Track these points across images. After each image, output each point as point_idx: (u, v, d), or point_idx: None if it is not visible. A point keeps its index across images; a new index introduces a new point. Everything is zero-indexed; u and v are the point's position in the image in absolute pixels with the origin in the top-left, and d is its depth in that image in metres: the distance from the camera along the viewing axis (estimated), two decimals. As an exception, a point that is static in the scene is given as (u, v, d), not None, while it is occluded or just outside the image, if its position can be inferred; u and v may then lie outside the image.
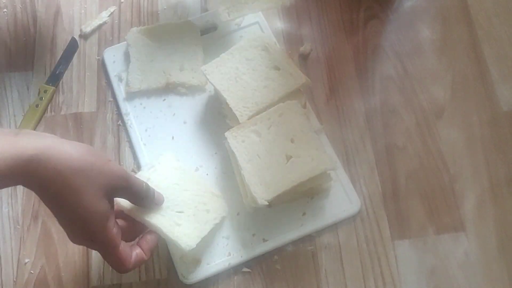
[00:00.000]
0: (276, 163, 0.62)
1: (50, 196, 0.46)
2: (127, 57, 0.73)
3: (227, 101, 0.65)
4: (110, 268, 0.62)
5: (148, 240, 0.56)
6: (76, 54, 0.76)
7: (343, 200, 0.65)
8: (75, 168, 0.46)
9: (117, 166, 0.50)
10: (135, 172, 0.67)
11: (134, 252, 0.54)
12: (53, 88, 0.73)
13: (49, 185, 0.45)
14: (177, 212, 0.60)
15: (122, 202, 0.55)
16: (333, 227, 0.65)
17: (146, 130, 0.70)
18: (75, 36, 0.77)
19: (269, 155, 0.62)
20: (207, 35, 0.75)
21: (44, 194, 0.46)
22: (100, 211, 0.48)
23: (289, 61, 0.68)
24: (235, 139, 0.63)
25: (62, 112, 0.72)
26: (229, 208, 0.64)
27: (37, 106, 0.71)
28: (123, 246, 0.52)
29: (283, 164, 0.62)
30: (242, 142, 0.63)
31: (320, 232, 0.64)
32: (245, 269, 0.63)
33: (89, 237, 0.49)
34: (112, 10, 0.78)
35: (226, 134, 0.64)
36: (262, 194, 0.60)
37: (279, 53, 0.68)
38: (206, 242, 0.63)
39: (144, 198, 0.54)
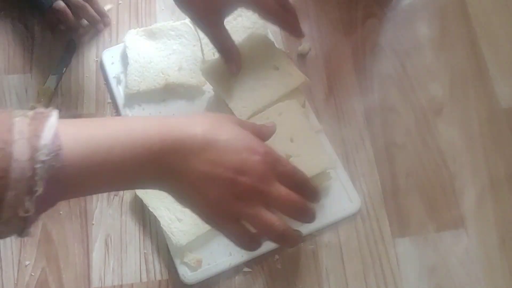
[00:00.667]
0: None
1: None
2: (125, 58, 0.73)
3: (226, 101, 0.65)
4: (111, 269, 0.63)
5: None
6: (74, 56, 0.76)
7: (343, 198, 0.65)
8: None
9: None
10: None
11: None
12: (51, 90, 0.73)
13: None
14: (183, 207, 0.61)
15: None
16: (334, 225, 0.65)
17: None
18: (73, 38, 0.76)
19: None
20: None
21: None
22: (246, 133, 0.50)
23: (288, 60, 0.68)
24: None
25: (61, 114, 0.71)
26: None
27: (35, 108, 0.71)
28: None
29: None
30: None
31: (320, 231, 0.64)
32: (246, 269, 0.63)
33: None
34: (108, 7, 0.78)
35: None
36: None
37: (278, 53, 0.68)
38: (206, 241, 0.63)
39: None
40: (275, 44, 0.70)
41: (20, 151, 0.36)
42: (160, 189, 0.48)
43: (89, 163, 0.41)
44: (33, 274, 0.63)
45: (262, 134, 0.54)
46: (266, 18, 0.64)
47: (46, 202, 0.39)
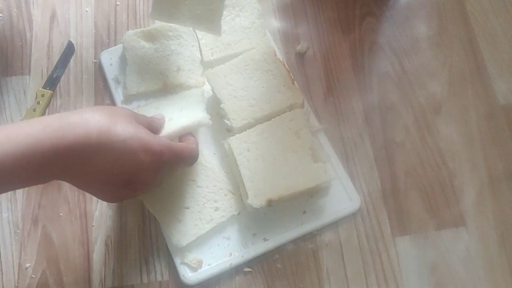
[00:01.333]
0: (274, 171, 0.63)
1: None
2: (124, 60, 0.73)
3: (224, 108, 0.66)
4: (112, 270, 0.63)
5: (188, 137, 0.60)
6: (73, 58, 0.76)
7: (343, 197, 0.65)
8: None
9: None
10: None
11: (186, 141, 0.59)
12: (50, 92, 0.73)
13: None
14: (183, 207, 0.62)
15: None
16: (334, 225, 0.65)
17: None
18: (71, 40, 0.76)
19: (268, 163, 0.63)
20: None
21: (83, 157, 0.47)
22: (144, 129, 0.52)
23: (289, 77, 0.68)
24: (236, 146, 0.64)
25: (60, 116, 0.72)
26: (241, 207, 0.64)
27: (34, 110, 0.71)
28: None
29: (282, 173, 0.63)
30: (243, 149, 0.64)
31: (320, 230, 0.64)
32: (246, 269, 0.63)
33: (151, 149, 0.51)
34: None
35: (229, 140, 0.64)
36: (258, 200, 0.61)
37: (283, 73, 0.69)
38: (206, 242, 0.63)
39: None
40: (283, 63, 0.70)
41: None
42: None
43: None
44: (33, 276, 0.63)
45: (155, 127, 0.57)
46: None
47: None
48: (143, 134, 0.51)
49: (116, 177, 0.50)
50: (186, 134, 0.61)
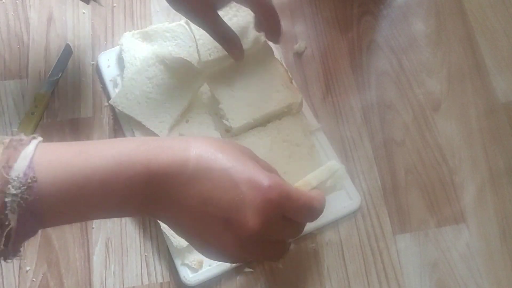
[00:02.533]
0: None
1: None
2: (121, 61, 0.73)
3: (223, 109, 0.66)
4: (112, 272, 0.63)
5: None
6: (70, 60, 0.76)
7: (343, 196, 0.65)
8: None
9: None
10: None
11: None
12: (48, 94, 0.72)
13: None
14: None
15: None
16: (334, 224, 0.65)
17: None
18: (69, 42, 0.76)
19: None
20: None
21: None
22: (254, 164, 0.42)
23: (288, 77, 0.69)
24: None
25: (58, 119, 0.72)
26: None
27: (32, 113, 0.71)
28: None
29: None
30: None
31: (321, 229, 0.64)
32: (247, 269, 0.63)
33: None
34: None
35: None
36: None
37: (281, 73, 0.69)
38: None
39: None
40: (282, 64, 0.71)
41: None
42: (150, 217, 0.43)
43: (65, 194, 0.37)
44: (34, 279, 0.63)
45: (274, 170, 0.47)
46: (255, 11, 0.64)
47: (22, 235, 0.36)
48: (251, 166, 0.41)
49: (212, 213, 0.39)
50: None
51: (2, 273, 0.63)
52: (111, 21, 0.78)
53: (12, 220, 0.35)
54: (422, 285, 0.61)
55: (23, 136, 0.37)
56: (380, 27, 0.77)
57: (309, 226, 0.63)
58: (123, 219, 0.66)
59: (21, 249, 0.37)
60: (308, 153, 0.65)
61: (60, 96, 0.73)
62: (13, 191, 0.34)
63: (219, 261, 0.45)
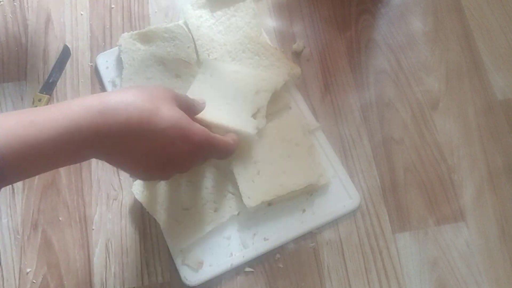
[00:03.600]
0: (269, 171, 0.64)
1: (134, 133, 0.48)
2: (120, 62, 0.73)
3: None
4: (112, 273, 0.63)
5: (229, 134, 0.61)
6: (69, 61, 0.76)
7: (342, 195, 0.65)
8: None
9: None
10: (133, 179, 0.67)
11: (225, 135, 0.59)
12: (47, 96, 0.72)
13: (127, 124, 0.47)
14: (182, 209, 0.62)
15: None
16: (334, 223, 0.65)
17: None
18: (67, 44, 0.76)
19: (264, 163, 0.64)
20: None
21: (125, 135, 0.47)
22: (184, 115, 0.52)
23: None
24: None
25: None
26: (240, 207, 0.65)
27: (32, 115, 0.71)
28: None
29: (276, 173, 0.64)
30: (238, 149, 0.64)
31: (321, 229, 0.64)
32: (247, 269, 0.63)
33: (191, 141, 0.52)
34: None
35: None
36: (253, 201, 0.62)
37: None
38: (206, 243, 0.63)
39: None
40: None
41: None
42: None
43: (20, 161, 0.43)
44: (34, 281, 0.63)
45: (193, 111, 0.58)
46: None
47: None
48: (184, 122, 0.51)
49: (152, 161, 0.51)
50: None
51: (2, 275, 0.63)
52: (109, 22, 0.78)
53: None
54: (422, 283, 0.62)
55: None
56: (378, 26, 0.77)
57: (309, 225, 0.64)
58: (123, 219, 0.66)
59: None
60: (307, 152, 0.65)
61: (59, 97, 0.73)
62: None
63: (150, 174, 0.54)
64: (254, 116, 0.66)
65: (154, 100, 0.50)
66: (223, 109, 0.65)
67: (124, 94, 0.49)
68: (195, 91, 0.67)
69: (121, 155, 0.49)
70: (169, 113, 0.50)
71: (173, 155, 0.51)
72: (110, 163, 0.51)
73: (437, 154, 0.68)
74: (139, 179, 0.58)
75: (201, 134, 0.53)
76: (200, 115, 0.60)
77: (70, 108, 0.46)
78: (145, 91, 0.50)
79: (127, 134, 0.47)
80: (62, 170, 0.68)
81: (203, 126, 0.55)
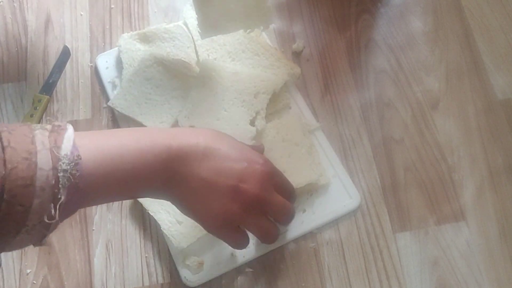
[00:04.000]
0: None
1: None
2: (120, 62, 0.73)
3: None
4: (113, 274, 0.63)
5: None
6: (68, 62, 0.76)
7: (342, 195, 0.65)
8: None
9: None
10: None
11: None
12: (47, 97, 0.72)
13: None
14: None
15: None
16: (334, 223, 0.65)
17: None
18: (67, 44, 0.76)
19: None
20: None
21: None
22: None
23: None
24: None
25: (58, 121, 0.72)
26: None
27: (31, 116, 0.71)
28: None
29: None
30: None
31: (321, 229, 0.64)
32: (248, 269, 0.63)
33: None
34: None
35: None
36: None
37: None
38: (207, 243, 0.63)
39: None
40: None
41: (44, 160, 0.38)
42: (165, 198, 0.50)
43: (103, 171, 0.43)
44: (35, 282, 0.63)
45: (258, 150, 0.58)
46: None
47: (67, 209, 0.41)
48: (247, 149, 0.53)
49: (223, 182, 0.49)
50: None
51: (2, 276, 0.63)
52: (109, 23, 0.78)
53: (63, 194, 0.39)
54: (422, 283, 0.62)
55: (59, 122, 0.43)
56: (378, 26, 0.77)
57: (309, 225, 0.64)
58: (123, 219, 0.66)
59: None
60: (307, 152, 0.65)
61: (59, 98, 0.73)
62: (64, 166, 0.39)
63: (218, 232, 0.53)
64: (253, 120, 0.66)
65: (220, 134, 0.53)
66: (221, 118, 0.65)
67: (192, 129, 0.54)
68: (194, 96, 0.67)
69: (191, 177, 0.48)
70: (231, 141, 0.53)
71: (242, 172, 0.50)
72: (180, 200, 0.50)
73: (437, 154, 0.68)
74: (214, 228, 0.52)
75: (265, 159, 0.54)
76: None
77: (142, 129, 0.51)
78: (211, 130, 0.53)
79: (195, 151, 0.49)
80: (62, 171, 0.68)
81: None
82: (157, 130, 0.50)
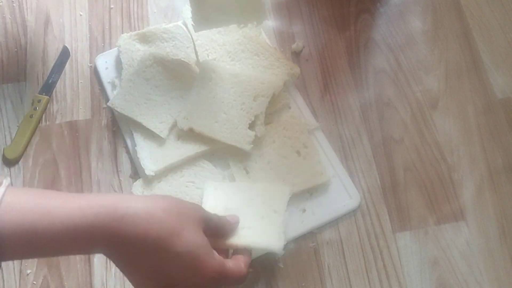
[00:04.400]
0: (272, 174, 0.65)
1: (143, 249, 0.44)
2: (119, 63, 0.73)
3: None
4: (113, 274, 0.63)
5: (242, 257, 0.55)
6: (68, 62, 0.76)
7: (342, 195, 0.65)
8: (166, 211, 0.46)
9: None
10: (134, 179, 0.67)
11: (238, 261, 0.53)
12: (47, 97, 0.72)
13: (144, 234, 0.44)
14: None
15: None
16: (334, 222, 0.65)
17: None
18: (66, 45, 0.76)
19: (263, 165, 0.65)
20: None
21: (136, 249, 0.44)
22: (205, 242, 0.48)
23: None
24: None
25: (57, 121, 0.72)
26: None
27: (31, 116, 0.71)
28: (228, 262, 0.52)
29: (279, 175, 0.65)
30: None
31: (321, 229, 0.64)
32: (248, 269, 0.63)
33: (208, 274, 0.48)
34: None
35: None
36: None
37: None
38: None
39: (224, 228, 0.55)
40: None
41: None
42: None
43: (24, 247, 0.42)
44: (35, 282, 0.63)
45: (222, 233, 0.55)
46: None
47: None
48: (202, 253, 0.47)
49: (159, 281, 0.46)
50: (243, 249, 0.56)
51: (2, 276, 0.63)
52: (109, 23, 0.78)
53: None
54: (422, 282, 0.62)
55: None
56: (377, 25, 0.77)
57: (310, 225, 0.64)
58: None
59: None
60: (307, 153, 0.65)
61: (59, 98, 0.73)
62: None
63: None
64: (252, 125, 0.65)
65: (180, 219, 0.46)
66: (220, 120, 0.65)
67: (151, 204, 0.46)
68: (194, 97, 0.67)
69: (130, 265, 0.46)
70: (190, 238, 0.46)
71: (180, 280, 0.47)
72: (118, 267, 0.47)
73: (437, 154, 0.68)
74: None
75: (215, 269, 0.48)
76: (228, 241, 0.56)
77: (89, 206, 0.43)
78: (174, 207, 0.47)
79: (140, 246, 0.44)
80: (62, 171, 0.68)
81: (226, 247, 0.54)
82: (105, 206, 0.44)
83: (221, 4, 0.63)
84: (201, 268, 0.47)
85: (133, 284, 0.48)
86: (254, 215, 0.59)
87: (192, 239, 0.47)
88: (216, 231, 0.53)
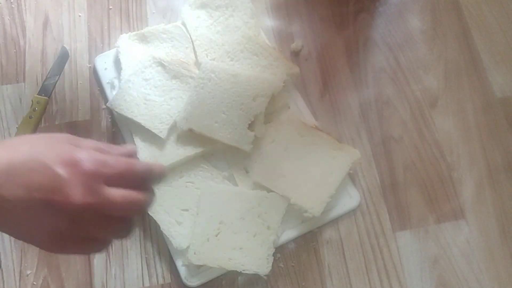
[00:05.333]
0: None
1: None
2: (118, 63, 0.73)
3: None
4: (113, 275, 0.63)
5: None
6: (67, 63, 0.75)
7: (342, 194, 0.65)
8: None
9: None
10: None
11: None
12: (46, 98, 0.72)
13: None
14: (182, 210, 0.62)
15: None
16: (334, 222, 0.65)
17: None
18: (65, 45, 0.76)
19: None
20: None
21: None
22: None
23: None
24: None
25: (57, 122, 0.72)
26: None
27: (30, 117, 0.71)
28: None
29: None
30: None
31: (321, 228, 0.64)
32: (248, 269, 0.63)
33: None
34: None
35: None
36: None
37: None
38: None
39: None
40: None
41: None
42: None
43: None
44: (35, 283, 0.63)
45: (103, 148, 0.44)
46: None
47: None
48: (64, 148, 0.41)
49: (37, 198, 0.39)
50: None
51: (3, 277, 0.63)
52: (107, 24, 0.78)
53: None
54: (423, 281, 0.62)
55: None
56: (376, 24, 0.77)
57: (310, 225, 0.64)
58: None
59: None
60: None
61: (58, 99, 0.73)
62: None
63: (60, 253, 0.44)
64: (251, 125, 0.65)
65: (35, 142, 0.41)
66: (219, 121, 0.65)
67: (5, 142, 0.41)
68: (193, 98, 0.67)
69: (4, 202, 0.39)
70: (46, 145, 0.41)
71: (56, 184, 0.39)
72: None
73: (436, 152, 0.68)
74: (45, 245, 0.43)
75: (86, 153, 0.41)
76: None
77: None
78: (33, 137, 0.43)
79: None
80: (62, 172, 0.68)
81: None
82: None
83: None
84: (67, 158, 0.40)
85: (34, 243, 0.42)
86: (247, 232, 0.61)
87: (46, 142, 0.41)
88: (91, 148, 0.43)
